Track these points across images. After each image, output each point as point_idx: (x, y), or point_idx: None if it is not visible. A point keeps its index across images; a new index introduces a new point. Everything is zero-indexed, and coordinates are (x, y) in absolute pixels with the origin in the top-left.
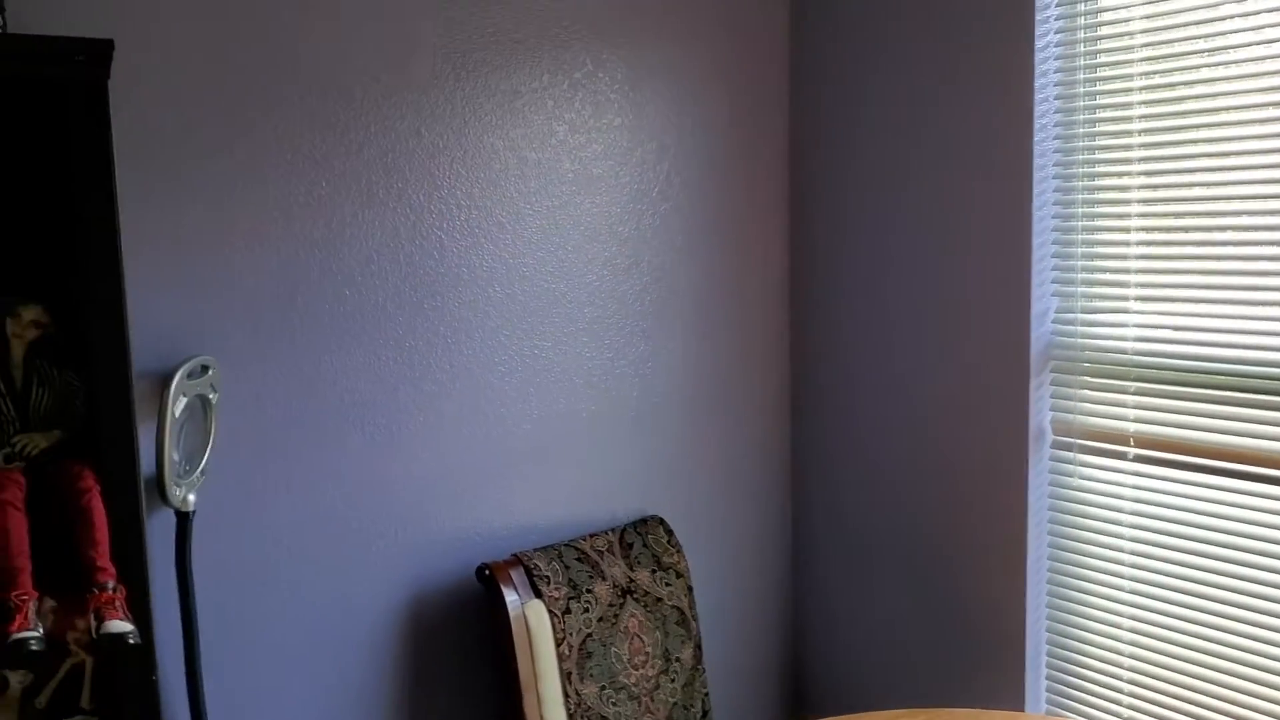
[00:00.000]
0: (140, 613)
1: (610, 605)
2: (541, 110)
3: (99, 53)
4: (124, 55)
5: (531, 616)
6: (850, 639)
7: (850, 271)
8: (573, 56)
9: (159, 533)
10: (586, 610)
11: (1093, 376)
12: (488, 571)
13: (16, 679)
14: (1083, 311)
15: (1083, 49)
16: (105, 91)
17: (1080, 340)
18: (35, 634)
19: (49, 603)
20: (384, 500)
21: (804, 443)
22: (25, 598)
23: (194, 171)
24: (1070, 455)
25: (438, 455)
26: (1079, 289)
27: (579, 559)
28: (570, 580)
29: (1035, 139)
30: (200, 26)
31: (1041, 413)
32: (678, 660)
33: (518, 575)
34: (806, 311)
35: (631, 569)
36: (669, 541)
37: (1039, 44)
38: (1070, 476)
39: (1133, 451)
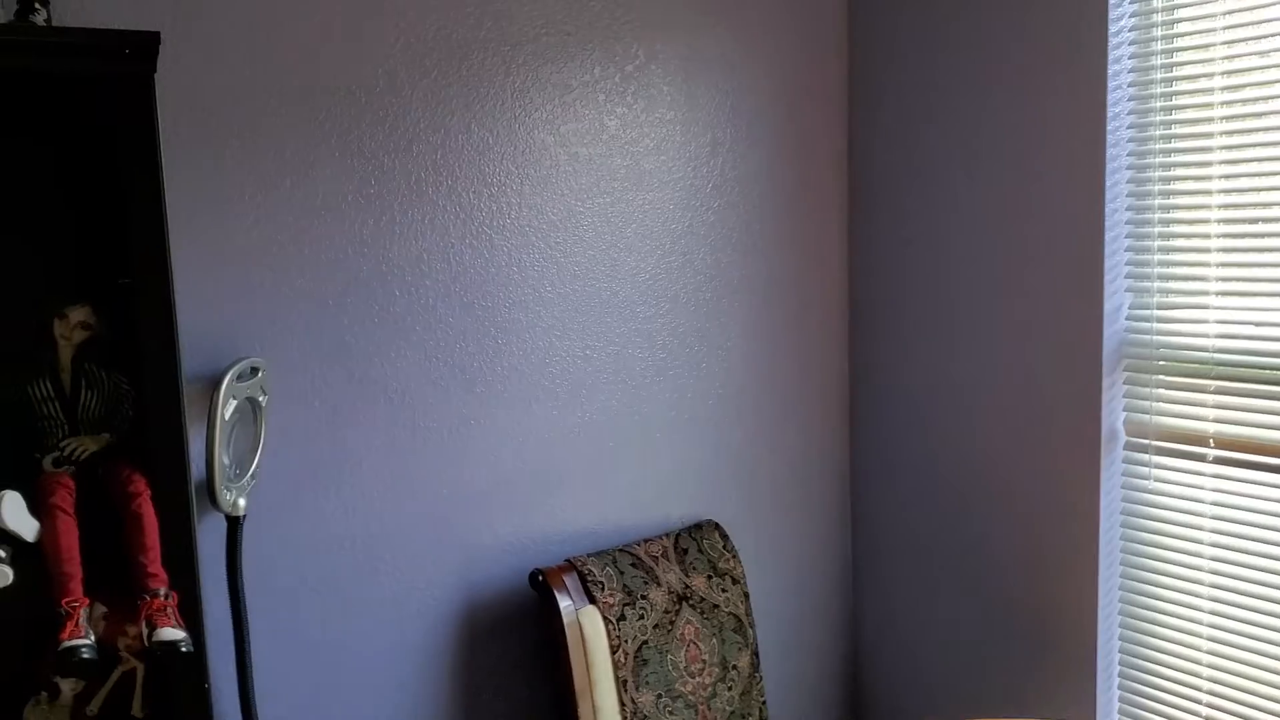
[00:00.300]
0: (192, 619)
1: (666, 612)
2: (593, 104)
3: (145, 46)
4: (171, 51)
5: (586, 623)
6: (912, 647)
7: (911, 270)
8: (625, 48)
9: (209, 537)
10: (642, 617)
11: (1169, 375)
12: (541, 577)
13: (68, 686)
14: (1159, 308)
15: (1160, 31)
16: (152, 85)
17: (1156, 338)
18: (86, 642)
19: (100, 609)
20: (435, 504)
21: (864, 445)
22: (76, 605)
23: (242, 170)
24: (1145, 457)
25: (489, 458)
26: (1154, 284)
27: (633, 564)
28: (625, 586)
29: (1108, 127)
30: (247, 21)
31: (1114, 413)
32: (735, 668)
33: (571, 581)
34: (866, 311)
35: (687, 575)
36: (725, 547)
37: (1113, 28)
38: (1145, 479)
39: (1213, 453)
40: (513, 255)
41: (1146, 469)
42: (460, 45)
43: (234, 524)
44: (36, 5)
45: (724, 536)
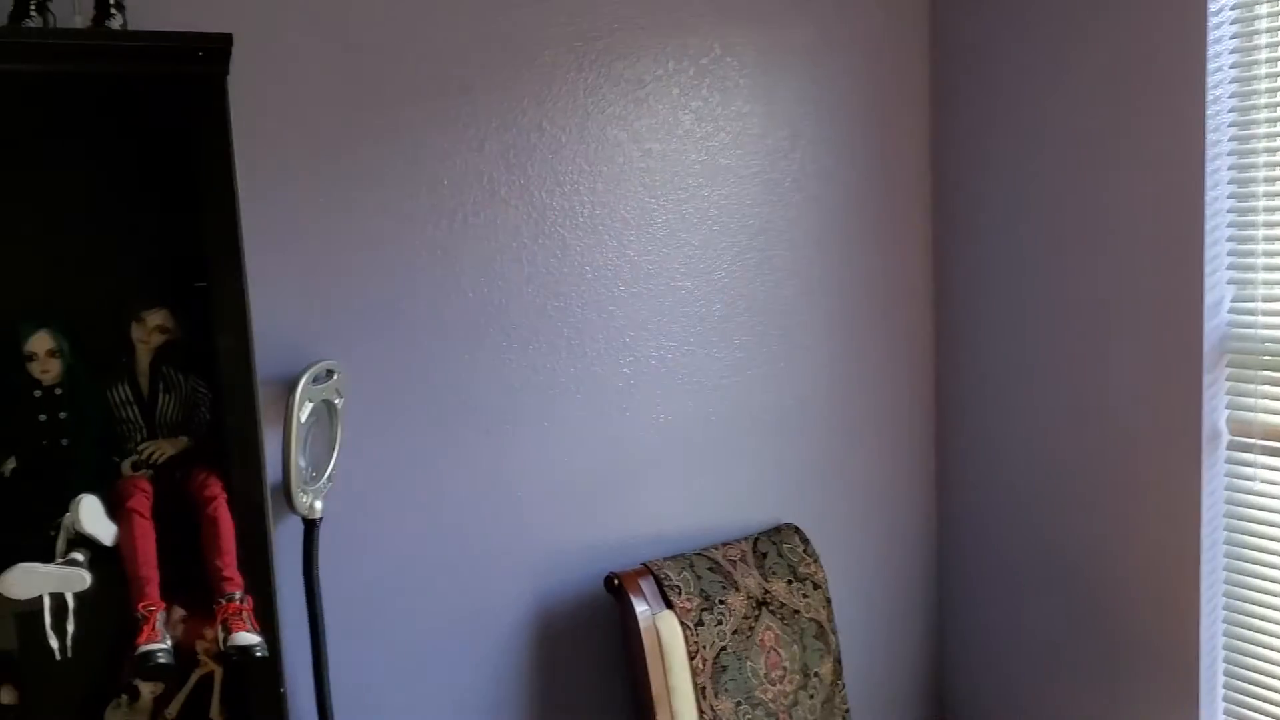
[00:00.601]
0: (267, 623)
1: (745, 617)
2: (666, 99)
3: (218, 48)
4: (244, 56)
5: (663, 628)
6: (1000, 655)
7: (1000, 268)
8: (700, 41)
9: (286, 540)
10: (720, 622)
11: (1276, 370)
12: (616, 581)
13: (148, 688)
14: (1264, 300)
15: (1265, 9)
16: (224, 87)
17: (1261, 331)
18: (162, 647)
19: (179, 612)
20: (509, 506)
21: (949, 447)
22: (153, 609)
23: (316, 173)
24: (1249, 457)
25: (563, 460)
26: (1260, 275)
27: (711, 569)
28: (702, 591)
29: (1207, 111)
30: (317, 24)
31: (1216, 411)
32: (816, 675)
33: (647, 585)
34: (952, 310)
35: (766, 579)
36: (805, 551)
37: (1213, 6)
38: (1249, 480)
39: None
40: (585, 254)
41: (1251, 469)
42: (531, 44)
43: (310, 527)
44: (112, 10)
45: (804, 540)
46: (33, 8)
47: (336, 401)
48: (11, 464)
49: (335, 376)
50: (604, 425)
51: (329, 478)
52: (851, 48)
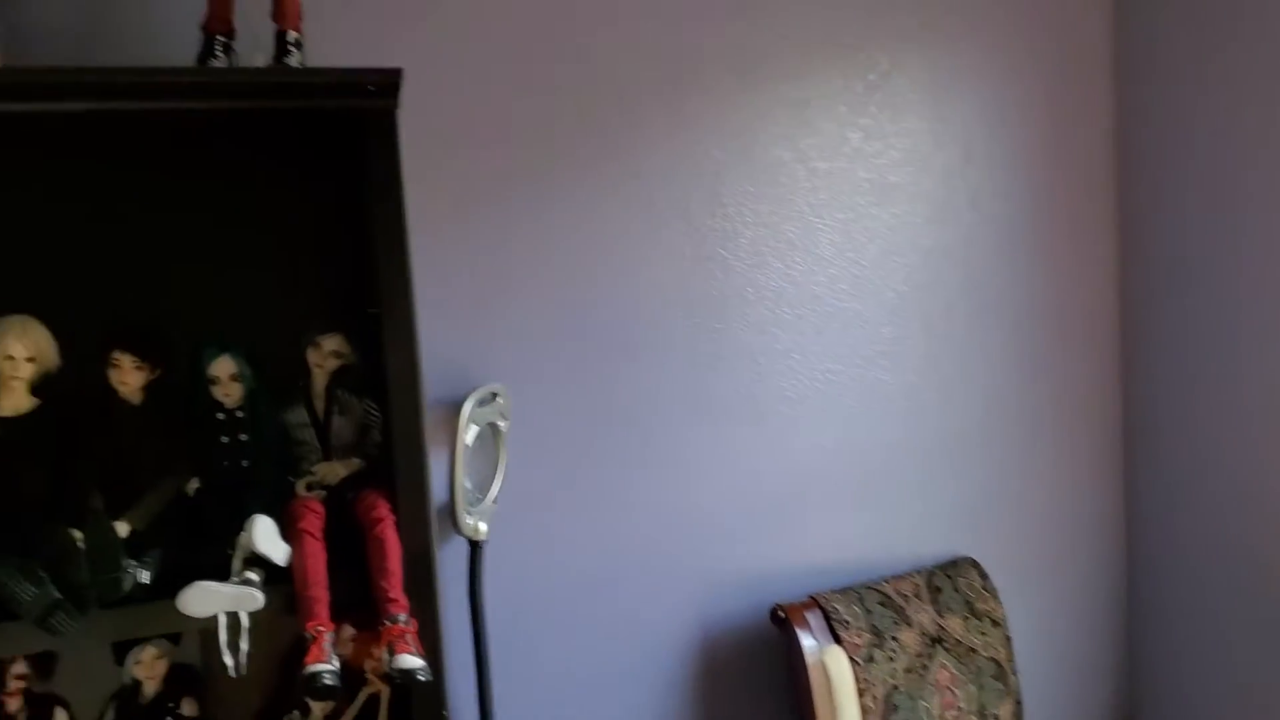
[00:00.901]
0: (432, 645)
1: (918, 655)
2: (833, 117)
3: (389, 82)
4: (413, 88)
5: (830, 664)
6: (1197, 698)
7: (1192, 287)
8: (867, 58)
9: (451, 561)
10: (891, 659)
11: None
12: (782, 613)
13: (319, 706)
14: None
15: None
16: (395, 120)
17: None
18: (328, 668)
19: (348, 630)
20: (673, 532)
21: (1140, 473)
22: (322, 629)
23: (483, 200)
24: None
25: (727, 486)
26: None
27: (882, 603)
28: (872, 626)
29: None
30: (482, 56)
31: None
32: (995, 717)
33: (814, 618)
34: (1141, 332)
35: (941, 615)
36: (983, 586)
37: None
38: None
39: None
40: (748, 276)
41: None
42: (694, 65)
43: (475, 548)
44: (290, 48)
45: (983, 575)
46: (218, 48)
47: (501, 424)
48: (195, 484)
49: (500, 399)
50: (769, 450)
51: (493, 499)
52: (1029, 65)
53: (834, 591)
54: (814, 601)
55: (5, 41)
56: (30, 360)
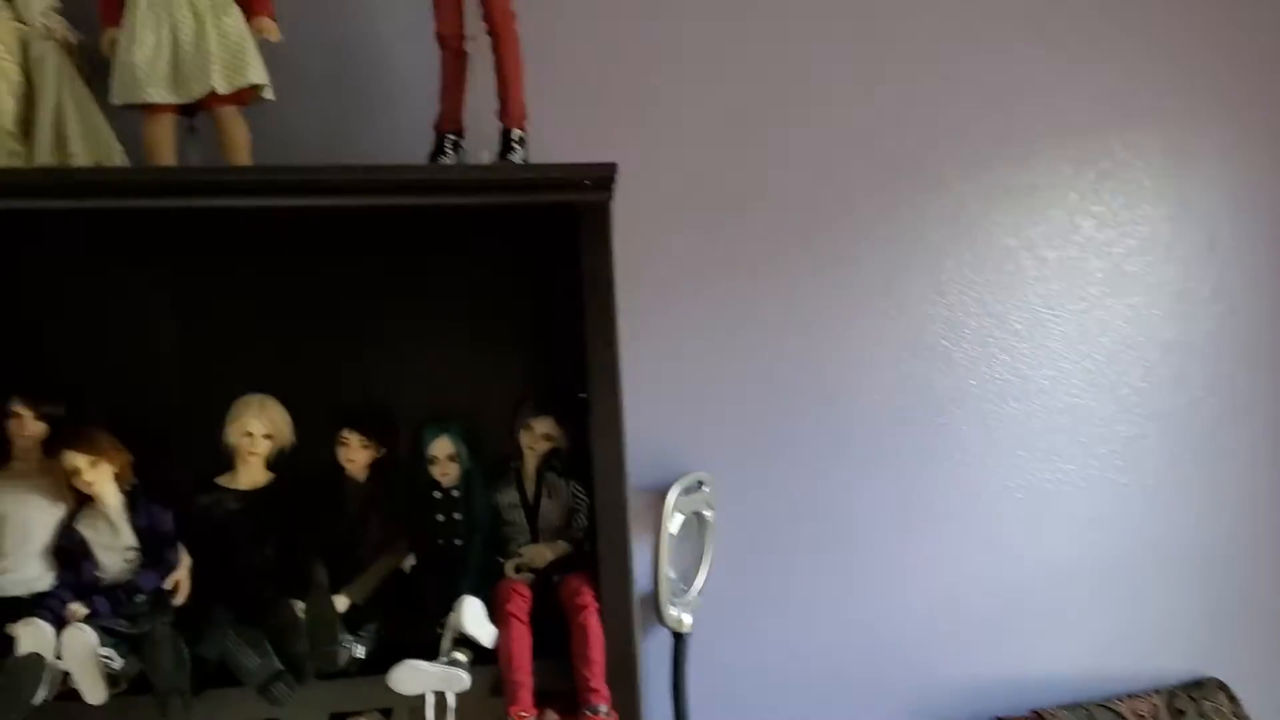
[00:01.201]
0: None
1: None
2: (1062, 204)
3: (603, 176)
4: (627, 180)
5: None
6: None
7: None
8: (1100, 144)
9: (653, 652)
10: None
11: None
12: None
13: None
14: None
15: None
16: (609, 213)
17: None
18: None
19: (551, 717)
20: (885, 635)
21: None
22: (525, 715)
23: (689, 290)
24: None
25: (941, 589)
26: None
27: None
28: None
29: None
30: (696, 148)
31: None
32: None
33: None
34: None
35: None
36: (1234, 711)
37: None
38: None
39: None
40: (970, 368)
41: None
42: (913, 151)
43: (679, 640)
44: (514, 145)
45: (1232, 699)
46: (448, 146)
47: (707, 514)
48: (411, 560)
49: (706, 488)
50: (990, 553)
51: (698, 591)
52: (1277, 143)
53: (1060, 707)
54: (1038, 717)
55: (257, 144)
56: (267, 437)
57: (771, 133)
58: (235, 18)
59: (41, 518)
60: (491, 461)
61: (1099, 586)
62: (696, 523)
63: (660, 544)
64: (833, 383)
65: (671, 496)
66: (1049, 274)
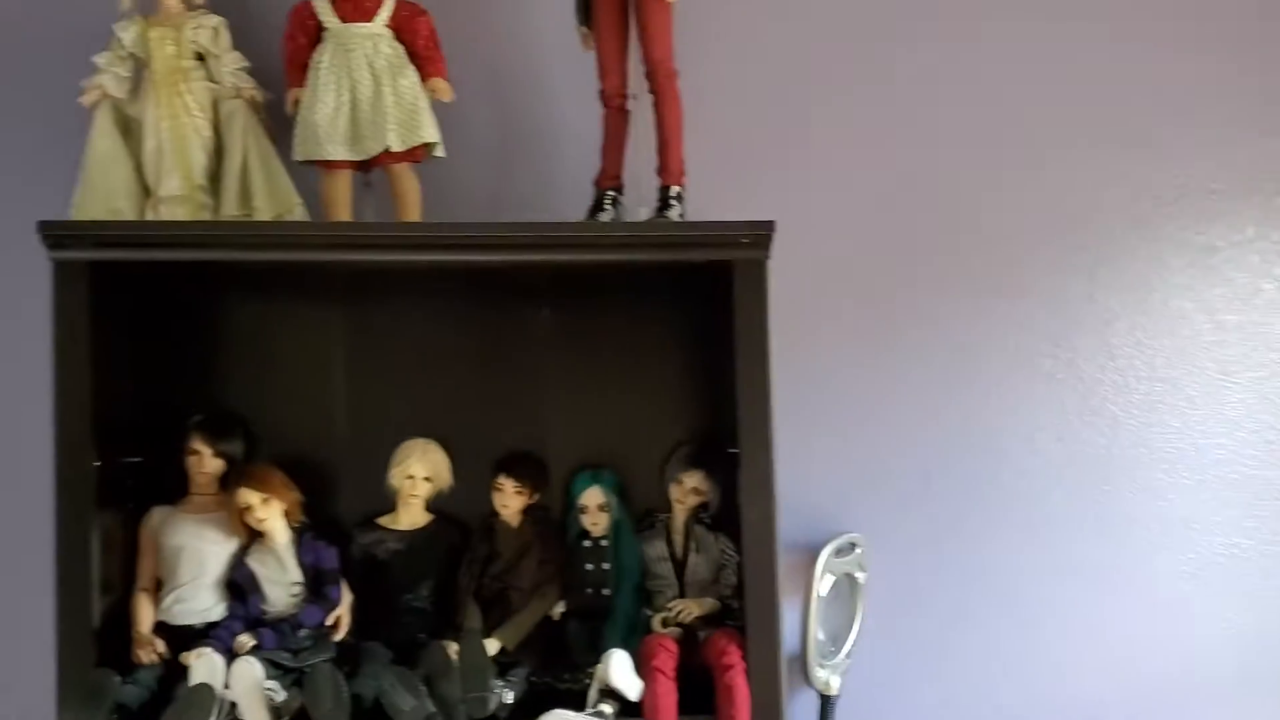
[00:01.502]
0: None
1: None
2: (1244, 267)
3: (761, 234)
4: (782, 236)
5: None
6: None
7: None
8: None
9: (799, 714)
10: None
11: None
12: None
13: None
14: None
15: None
16: (765, 270)
17: None
18: None
19: None
20: (1045, 709)
21: None
22: None
23: (845, 347)
24: None
25: (1106, 665)
26: None
27: None
28: None
29: None
30: (852, 205)
31: None
32: None
33: None
34: None
35: None
36: None
37: None
38: None
39: None
40: (1140, 434)
41: None
42: (1083, 209)
43: (826, 703)
44: (672, 201)
45: None
46: (607, 202)
47: (859, 575)
48: (561, 607)
49: (858, 550)
50: (1158, 632)
51: (847, 654)
52: None
53: None
54: None
55: (425, 196)
56: (428, 480)
57: (934, 190)
58: (411, 79)
59: (215, 551)
60: (640, 512)
61: (1276, 669)
62: (847, 584)
63: (810, 605)
64: (994, 444)
65: (823, 558)
66: (1227, 338)
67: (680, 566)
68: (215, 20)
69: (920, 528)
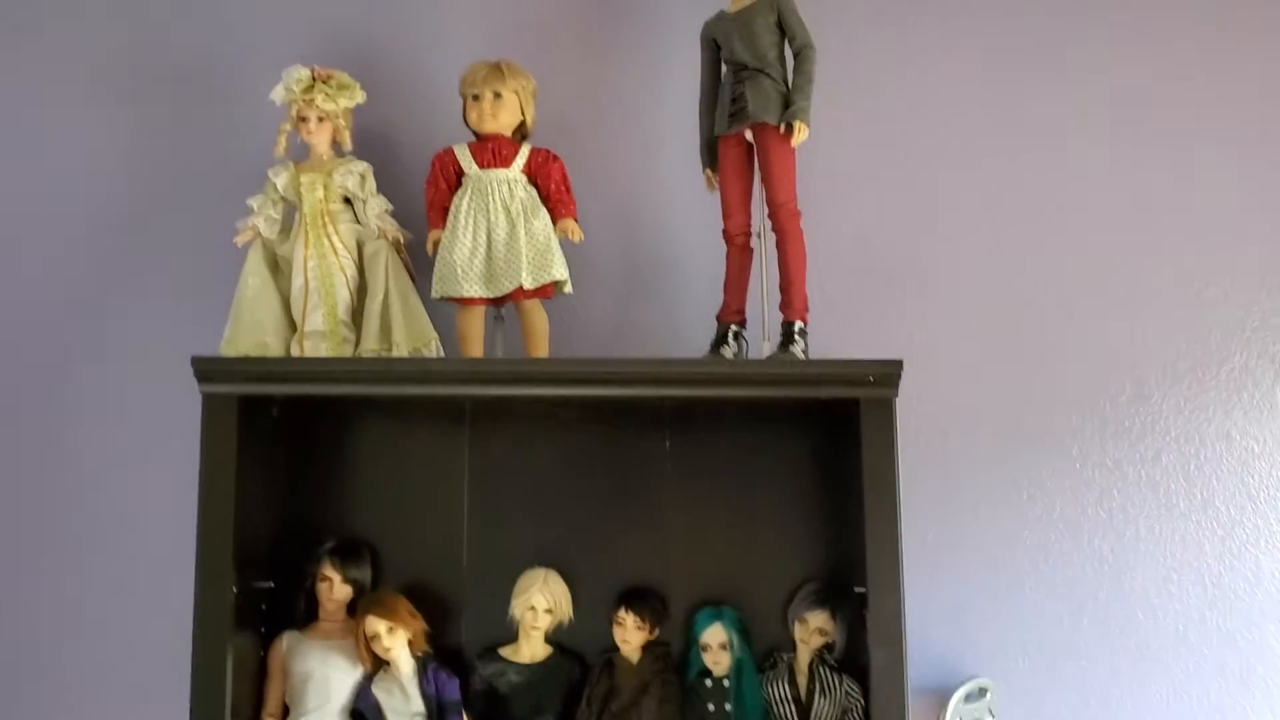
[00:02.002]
0: None
1: None
2: None
3: (888, 373)
4: (907, 373)
5: None
6: None
7: None
8: None
9: None
10: None
11: None
12: None
13: None
14: None
15: None
16: (893, 409)
17: None
18: None
19: None
20: None
21: None
22: None
23: (976, 483)
24: None
25: None
26: None
27: None
28: None
29: None
30: (981, 343)
31: None
32: None
33: None
34: None
35: None
36: None
37: None
38: None
39: None
40: None
41: None
42: (1219, 347)
43: None
44: (796, 337)
45: None
46: (730, 337)
47: None
48: None
49: (989, 696)
50: None
51: None
52: None
53: None
54: None
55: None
56: (548, 612)
57: (1061, 323)
58: (543, 220)
59: (342, 678)
60: (763, 651)
61: None
62: None
63: None
64: (1129, 587)
65: (952, 704)
66: None
67: (804, 709)
68: (362, 166)
69: (1053, 673)
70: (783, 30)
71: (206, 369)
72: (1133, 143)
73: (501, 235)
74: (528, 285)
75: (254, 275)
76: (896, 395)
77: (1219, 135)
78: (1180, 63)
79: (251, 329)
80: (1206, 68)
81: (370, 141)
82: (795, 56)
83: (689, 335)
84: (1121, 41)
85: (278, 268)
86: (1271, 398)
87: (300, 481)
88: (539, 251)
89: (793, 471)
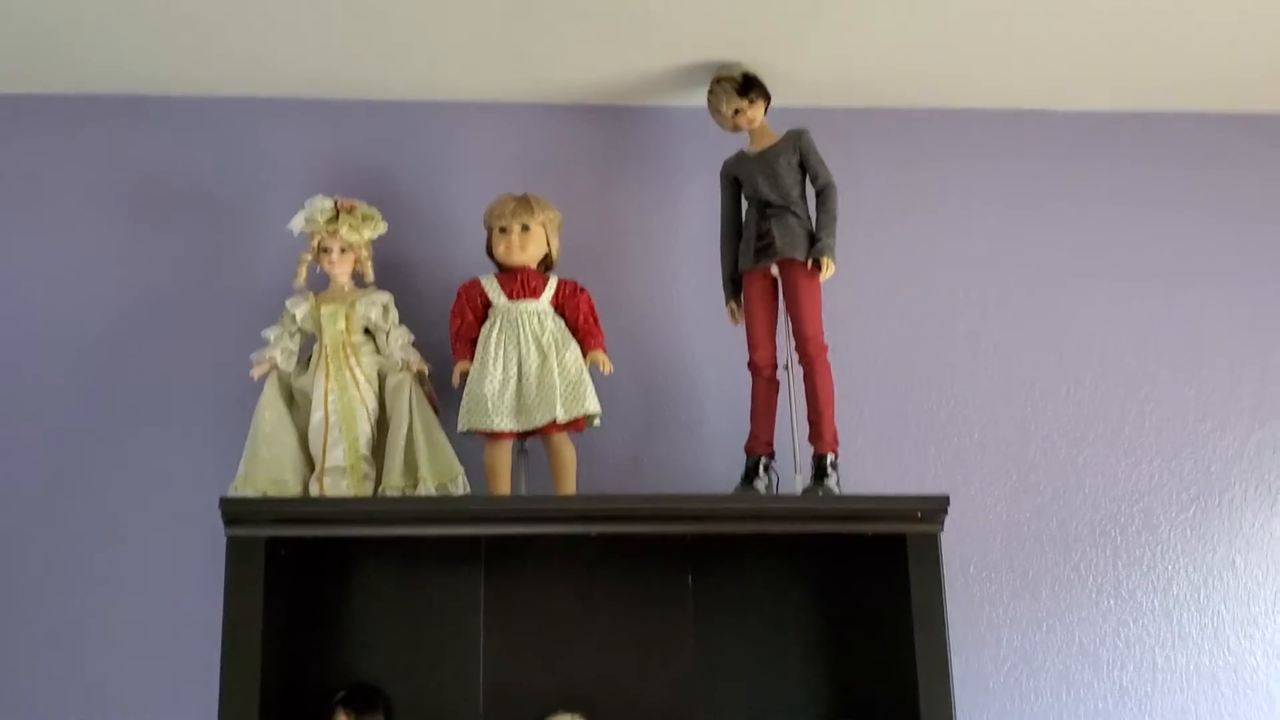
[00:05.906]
0: None
1: None
2: None
3: (934, 509)
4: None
5: None
6: None
7: None
8: None
9: None
10: None
11: None
12: None
13: None
14: None
15: None
16: (939, 544)
17: None
18: None
19: None
20: None
21: None
22: None
23: (1001, 613)
24: None
25: None
26: None
27: None
28: None
29: None
30: (1021, 477)
31: None
32: None
33: None
34: None
35: None
36: None
37: None
38: None
39: None
40: None
41: None
42: (1220, 478)
43: None
44: (828, 469)
45: None
46: (760, 469)
47: None
48: None
49: None
50: None
51: None
52: None
53: None
54: None
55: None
56: None
57: (1070, 454)
58: (574, 352)
59: None
60: None
61: None
62: None
63: None
64: (1149, 716)
65: None
66: None
67: None
68: (385, 297)
69: None
70: (804, 169)
71: (234, 512)
72: (1132, 282)
73: (533, 367)
74: (561, 418)
75: (270, 409)
76: (941, 530)
77: (1215, 276)
78: (1178, 209)
79: (269, 465)
80: (1201, 214)
81: (383, 271)
82: (818, 195)
83: (708, 465)
84: (1123, 184)
85: (293, 401)
86: (1269, 526)
87: (307, 623)
88: (571, 384)
89: (817, 608)
